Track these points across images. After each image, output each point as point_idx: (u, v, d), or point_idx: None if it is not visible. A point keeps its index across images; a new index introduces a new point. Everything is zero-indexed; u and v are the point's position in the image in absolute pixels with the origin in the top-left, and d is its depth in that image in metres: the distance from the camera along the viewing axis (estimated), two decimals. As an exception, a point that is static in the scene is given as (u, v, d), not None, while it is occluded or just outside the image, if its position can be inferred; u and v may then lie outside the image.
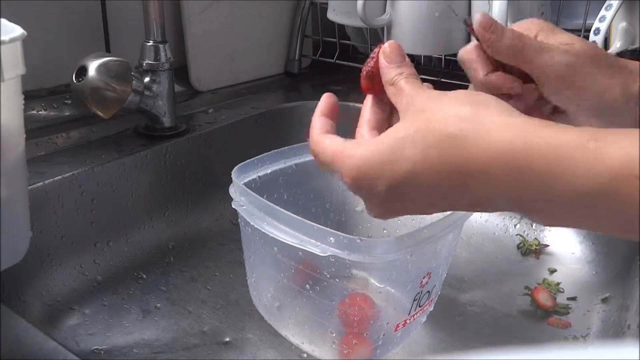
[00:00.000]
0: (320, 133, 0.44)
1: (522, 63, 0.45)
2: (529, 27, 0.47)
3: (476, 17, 0.44)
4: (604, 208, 0.32)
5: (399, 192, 0.39)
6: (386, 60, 0.43)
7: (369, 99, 0.46)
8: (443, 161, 0.37)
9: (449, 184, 0.37)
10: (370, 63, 0.44)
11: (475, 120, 0.36)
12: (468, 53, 0.47)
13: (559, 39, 0.45)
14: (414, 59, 0.99)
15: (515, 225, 0.78)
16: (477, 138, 0.36)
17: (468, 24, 0.46)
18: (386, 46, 0.44)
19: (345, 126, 0.95)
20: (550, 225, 0.37)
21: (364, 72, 0.45)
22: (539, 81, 0.45)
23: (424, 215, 0.66)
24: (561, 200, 0.33)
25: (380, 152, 0.39)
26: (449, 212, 0.56)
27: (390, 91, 0.42)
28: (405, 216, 0.68)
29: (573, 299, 0.68)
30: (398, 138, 0.38)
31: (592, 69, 0.44)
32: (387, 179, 0.38)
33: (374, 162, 0.39)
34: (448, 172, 0.37)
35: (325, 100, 0.47)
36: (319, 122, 0.45)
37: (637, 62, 0.47)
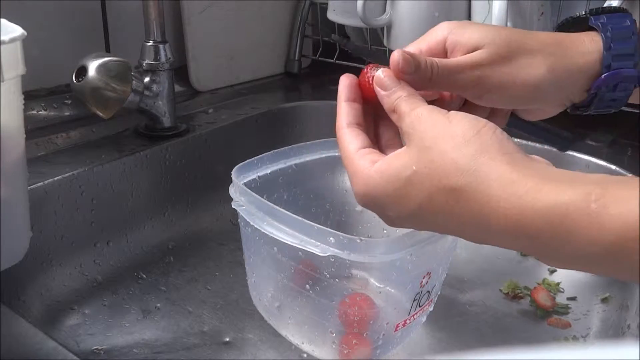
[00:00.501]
0: (343, 126, 0.44)
1: (437, 89, 0.45)
2: (438, 35, 0.46)
3: (394, 57, 0.43)
4: (612, 266, 0.33)
5: (405, 220, 0.41)
6: (382, 89, 0.43)
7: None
8: (447, 210, 0.37)
9: (453, 227, 0.39)
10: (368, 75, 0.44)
11: (478, 171, 0.36)
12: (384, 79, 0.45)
13: (468, 38, 0.44)
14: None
15: (515, 225, 0.78)
16: (480, 194, 0.36)
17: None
18: (379, 75, 0.43)
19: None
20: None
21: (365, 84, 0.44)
22: (461, 94, 0.46)
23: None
24: (568, 259, 0.34)
25: (387, 185, 0.39)
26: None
27: (393, 117, 0.42)
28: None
29: (573, 299, 0.68)
30: (404, 177, 0.39)
31: (506, 67, 0.44)
32: (394, 212, 0.40)
33: (381, 194, 0.40)
34: (451, 220, 0.38)
35: (345, 82, 0.46)
36: (342, 110, 0.45)
37: (578, 34, 0.45)
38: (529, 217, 0.34)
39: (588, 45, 0.45)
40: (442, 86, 0.45)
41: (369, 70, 0.44)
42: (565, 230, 0.33)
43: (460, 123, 0.39)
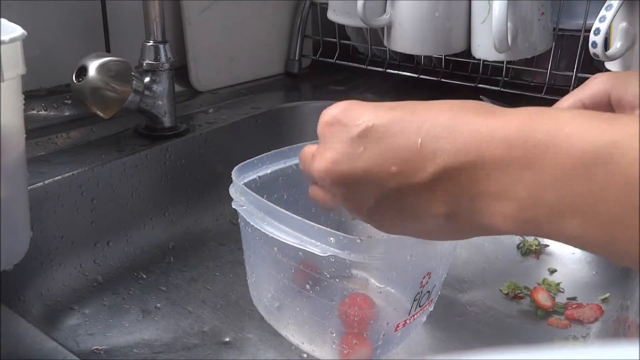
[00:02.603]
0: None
1: None
2: (599, 83, 0.45)
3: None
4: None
5: (374, 132, 0.37)
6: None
7: None
8: (433, 116, 0.35)
9: (432, 143, 0.35)
10: None
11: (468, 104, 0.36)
12: None
13: (631, 91, 0.44)
14: (414, 59, 0.99)
15: (515, 225, 0.78)
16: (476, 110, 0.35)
17: None
18: None
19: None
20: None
21: None
22: None
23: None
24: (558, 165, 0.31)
25: (378, 106, 0.38)
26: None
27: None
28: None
29: (573, 299, 0.68)
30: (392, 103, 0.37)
31: None
32: (371, 117, 0.37)
33: (364, 105, 0.38)
34: (435, 128, 0.35)
35: None
36: None
37: None
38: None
39: None
40: None
41: None
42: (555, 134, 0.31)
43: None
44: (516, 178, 0.32)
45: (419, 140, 0.35)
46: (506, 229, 0.34)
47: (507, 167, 0.32)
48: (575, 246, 0.32)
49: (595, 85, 0.46)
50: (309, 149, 0.43)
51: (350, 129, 0.37)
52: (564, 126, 0.31)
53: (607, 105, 0.45)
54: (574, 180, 0.30)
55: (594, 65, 0.83)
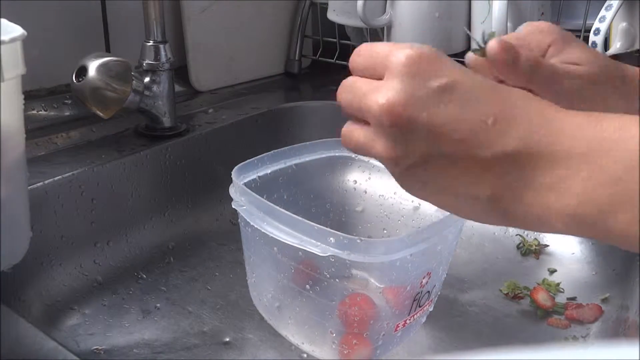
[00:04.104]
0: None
1: (529, 86, 0.43)
2: (543, 36, 0.46)
3: (491, 45, 0.41)
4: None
5: (452, 91, 0.35)
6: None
7: None
8: (518, 100, 0.35)
9: (506, 114, 0.34)
10: None
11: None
12: (475, 62, 0.44)
13: (569, 55, 0.45)
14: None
15: (515, 225, 0.78)
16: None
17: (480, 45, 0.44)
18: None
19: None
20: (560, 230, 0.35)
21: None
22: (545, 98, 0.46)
23: (424, 216, 0.66)
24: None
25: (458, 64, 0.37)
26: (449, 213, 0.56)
27: None
28: (406, 216, 0.69)
29: (573, 299, 0.68)
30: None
31: (600, 92, 0.44)
32: (452, 74, 0.35)
33: (450, 60, 0.36)
34: (515, 106, 0.35)
35: None
36: None
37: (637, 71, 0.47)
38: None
39: None
40: (538, 86, 0.43)
41: None
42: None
43: None
44: (575, 172, 0.32)
45: (492, 118, 0.34)
46: (549, 222, 0.34)
47: (569, 161, 0.33)
48: (623, 246, 0.33)
49: (538, 33, 0.46)
50: (361, 81, 0.39)
51: (430, 78, 0.35)
52: (631, 126, 0.32)
53: (542, 52, 0.46)
54: (629, 176, 0.31)
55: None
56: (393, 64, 0.36)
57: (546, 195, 0.33)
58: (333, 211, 0.72)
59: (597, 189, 0.32)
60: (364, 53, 0.39)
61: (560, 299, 0.68)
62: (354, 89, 0.39)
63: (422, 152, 0.35)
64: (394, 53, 0.36)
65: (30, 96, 0.76)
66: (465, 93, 0.35)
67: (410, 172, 0.37)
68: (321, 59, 1.04)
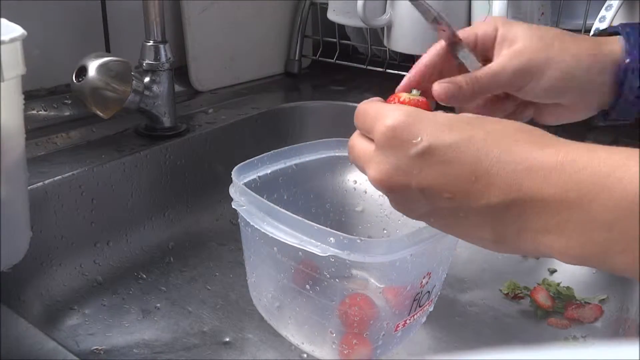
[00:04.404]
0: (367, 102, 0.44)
1: (482, 95, 0.49)
2: (487, 28, 0.49)
3: (436, 91, 0.47)
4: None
5: (431, 156, 0.37)
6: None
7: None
8: (490, 148, 0.36)
9: (484, 179, 0.36)
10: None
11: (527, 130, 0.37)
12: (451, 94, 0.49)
13: (513, 34, 0.48)
14: (414, 59, 0.99)
15: (515, 225, 0.78)
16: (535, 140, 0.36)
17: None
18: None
19: (345, 125, 0.95)
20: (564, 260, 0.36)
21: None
22: (504, 90, 0.49)
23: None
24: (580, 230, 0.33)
25: (437, 116, 0.38)
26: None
27: None
28: (405, 216, 0.68)
29: (573, 299, 0.68)
30: (456, 116, 0.39)
31: (542, 53, 0.47)
32: (431, 137, 0.37)
33: (428, 120, 0.38)
34: (491, 151, 0.36)
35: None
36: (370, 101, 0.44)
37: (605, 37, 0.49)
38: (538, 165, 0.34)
39: (613, 41, 0.48)
40: (487, 92, 0.48)
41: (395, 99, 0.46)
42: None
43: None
44: (566, 218, 0.33)
45: (474, 176, 0.36)
46: (559, 258, 0.35)
47: (558, 207, 0.33)
48: (628, 276, 0.34)
49: (489, 24, 0.50)
50: (360, 143, 0.42)
51: (408, 146, 0.38)
52: (616, 170, 0.32)
53: (493, 40, 0.49)
54: (624, 221, 0.31)
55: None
56: (377, 135, 0.39)
57: (546, 237, 0.35)
58: (333, 211, 0.72)
59: (592, 233, 0.32)
60: (359, 116, 0.43)
61: (560, 299, 0.68)
62: (354, 153, 0.43)
63: (425, 206, 0.39)
64: (378, 121, 0.40)
65: (30, 96, 0.76)
66: (443, 155, 0.37)
67: (424, 219, 0.41)
68: (321, 59, 1.04)
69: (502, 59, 0.47)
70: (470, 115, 0.39)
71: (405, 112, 0.39)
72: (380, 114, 0.40)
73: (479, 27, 0.50)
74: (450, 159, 0.36)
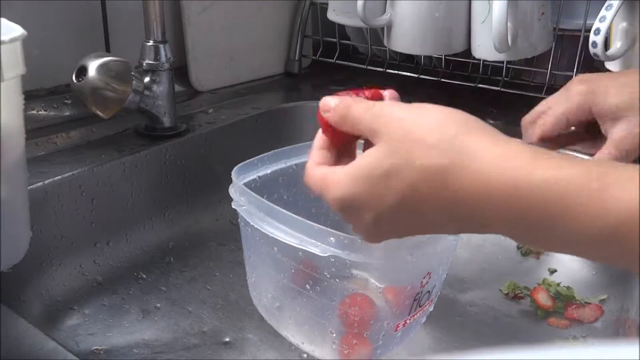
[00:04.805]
0: (313, 165, 0.44)
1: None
2: (580, 104, 0.49)
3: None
4: (608, 250, 0.31)
5: (386, 221, 0.39)
6: (325, 110, 0.43)
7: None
8: (433, 194, 0.36)
9: (441, 216, 0.36)
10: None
11: (463, 149, 0.35)
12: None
13: (608, 107, 0.48)
14: (414, 59, 0.99)
15: (515, 225, 0.78)
16: (469, 171, 0.34)
17: None
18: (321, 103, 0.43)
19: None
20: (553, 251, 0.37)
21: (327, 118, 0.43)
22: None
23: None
24: (563, 240, 0.33)
25: (364, 181, 0.38)
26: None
27: (353, 130, 0.41)
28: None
29: (573, 299, 0.67)
30: (379, 172, 0.37)
31: None
32: (374, 209, 0.38)
33: (359, 192, 0.38)
34: (439, 206, 0.36)
35: (320, 136, 0.45)
36: (315, 155, 0.44)
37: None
38: (524, 192, 0.32)
39: None
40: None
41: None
42: (562, 207, 0.31)
43: (431, 109, 0.38)
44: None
45: (422, 228, 0.39)
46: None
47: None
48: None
49: (575, 100, 0.49)
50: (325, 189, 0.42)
51: (361, 220, 0.40)
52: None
53: (589, 116, 0.49)
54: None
55: (594, 65, 0.83)
56: (332, 209, 0.42)
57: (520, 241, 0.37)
58: (333, 211, 0.72)
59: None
60: (307, 181, 0.44)
61: (560, 299, 0.68)
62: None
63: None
64: (321, 195, 0.42)
65: (30, 96, 0.76)
66: (393, 214, 0.38)
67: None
68: (321, 59, 1.04)
69: (614, 141, 0.47)
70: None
71: (339, 198, 0.40)
72: (323, 189, 0.41)
73: (567, 106, 0.49)
74: (401, 217, 0.38)
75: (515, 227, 0.34)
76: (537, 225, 0.32)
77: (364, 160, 0.38)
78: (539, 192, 0.32)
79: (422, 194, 0.36)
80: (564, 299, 0.67)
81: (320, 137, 0.45)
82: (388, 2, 0.87)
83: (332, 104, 0.42)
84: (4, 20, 0.45)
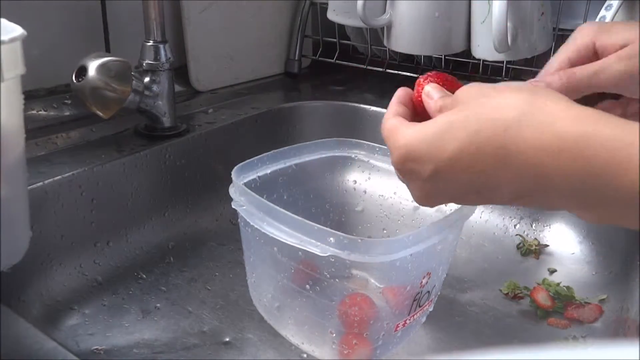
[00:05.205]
0: (390, 115, 0.45)
1: (584, 91, 0.47)
2: (584, 36, 0.48)
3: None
4: None
5: (443, 174, 0.39)
6: (428, 97, 0.45)
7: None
8: (489, 144, 0.36)
9: (494, 171, 0.37)
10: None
11: (535, 106, 0.36)
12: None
13: (615, 39, 0.46)
14: (414, 59, 0.99)
15: (515, 226, 0.78)
16: (536, 123, 0.35)
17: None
18: (427, 88, 0.45)
19: (346, 125, 0.95)
20: (593, 222, 0.37)
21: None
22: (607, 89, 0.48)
23: (424, 216, 0.66)
24: (614, 198, 0.33)
25: (428, 133, 0.39)
26: (449, 213, 0.56)
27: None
28: (406, 216, 0.69)
29: (573, 299, 0.68)
30: (448, 121, 0.39)
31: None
32: (433, 160, 0.39)
33: (422, 142, 0.40)
34: (494, 158, 0.36)
35: (398, 92, 0.47)
36: (392, 107, 0.46)
37: None
38: (593, 147, 0.33)
39: None
40: (584, 89, 0.47)
41: (420, 83, 0.47)
42: (623, 165, 0.32)
43: (511, 85, 0.40)
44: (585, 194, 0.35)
45: (476, 190, 0.39)
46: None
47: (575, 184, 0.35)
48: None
49: (580, 38, 0.48)
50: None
51: (418, 174, 0.41)
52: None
53: (593, 54, 0.47)
54: None
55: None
56: (394, 165, 0.43)
57: (573, 211, 0.37)
58: (333, 211, 0.72)
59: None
60: (382, 128, 0.45)
61: (560, 299, 0.68)
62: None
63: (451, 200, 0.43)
64: (389, 147, 0.43)
65: (30, 96, 0.76)
66: (450, 169, 0.39)
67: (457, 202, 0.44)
68: (321, 59, 1.04)
69: (607, 60, 0.46)
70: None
71: (402, 147, 0.41)
72: (391, 142, 0.43)
73: (570, 47, 0.49)
74: (459, 170, 0.38)
75: (578, 185, 0.34)
76: (603, 186, 0.33)
77: (435, 119, 0.41)
78: (598, 146, 0.33)
79: (477, 144, 0.37)
80: (563, 299, 0.67)
81: (402, 92, 0.47)
82: (388, 2, 0.87)
83: (435, 97, 0.44)
84: (4, 20, 0.45)
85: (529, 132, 0.35)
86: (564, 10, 0.83)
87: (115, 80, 0.67)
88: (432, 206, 0.45)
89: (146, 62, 0.74)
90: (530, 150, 0.35)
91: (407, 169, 0.41)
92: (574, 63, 0.48)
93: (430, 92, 0.44)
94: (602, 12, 0.70)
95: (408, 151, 0.40)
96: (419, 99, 0.46)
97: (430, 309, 0.60)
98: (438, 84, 0.45)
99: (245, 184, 0.58)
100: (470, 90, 0.40)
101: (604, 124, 0.34)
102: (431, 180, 0.40)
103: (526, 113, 0.36)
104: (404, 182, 0.44)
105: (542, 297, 0.67)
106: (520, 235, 0.77)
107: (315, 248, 0.49)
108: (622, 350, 0.18)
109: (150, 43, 0.74)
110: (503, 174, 0.36)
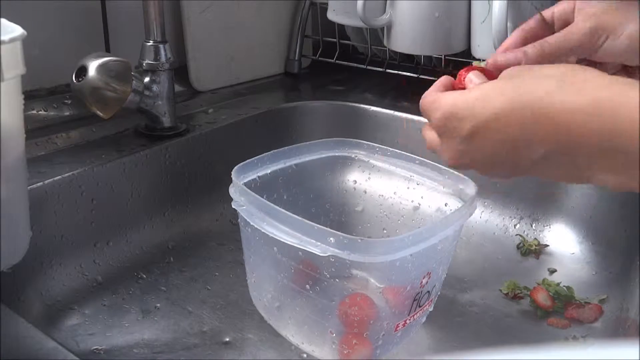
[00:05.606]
0: (432, 90, 0.48)
1: (561, 56, 0.49)
2: (567, 4, 0.51)
3: (496, 61, 0.49)
4: None
5: (480, 134, 0.42)
6: (471, 84, 0.47)
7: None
8: (528, 105, 0.39)
9: (531, 126, 0.39)
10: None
11: (572, 74, 0.39)
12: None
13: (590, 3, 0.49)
14: (414, 59, 0.99)
15: (515, 226, 0.78)
16: (574, 88, 0.37)
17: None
18: (470, 76, 0.48)
19: (346, 125, 0.95)
20: (615, 189, 0.39)
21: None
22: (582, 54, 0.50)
23: (424, 216, 0.66)
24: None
25: (471, 96, 0.42)
26: (449, 213, 0.56)
27: None
28: (406, 216, 0.69)
29: (573, 299, 0.67)
30: (491, 87, 0.42)
31: (619, 12, 0.48)
32: (473, 120, 0.42)
33: (465, 103, 0.42)
34: (531, 117, 0.39)
35: (441, 79, 0.51)
36: (435, 85, 0.49)
37: None
38: (626, 105, 0.35)
39: None
40: (558, 56, 0.49)
41: (462, 73, 0.50)
42: None
43: (546, 65, 0.44)
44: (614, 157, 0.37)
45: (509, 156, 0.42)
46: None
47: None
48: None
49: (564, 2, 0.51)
50: (428, 135, 0.47)
51: (458, 132, 0.43)
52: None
53: (571, 14, 0.50)
54: None
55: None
56: (434, 122, 0.46)
57: (599, 175, 0.39)
58: (333, 211, 0.72)
59: None
60: (422, 107, 0.48)
61: (560, 299, 0.68)
62: (427, 144, 0.49)
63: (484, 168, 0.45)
64: (430, 112, 0.46)
65: (30, 96, 0.76)
66: (486, 129, 0.41)
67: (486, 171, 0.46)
68: (321, 59, 1.04)
69: (575, 21, 0.49)
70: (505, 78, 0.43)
71: (446, 104, 0.44)
72: (432, 103, 0.46)
73: (555, 7, 0.52)
74: (496, 131, 0.41)
75: (606, 145, 0.36)
76: (631, 147, 0.35)
77: (478, 86, 0.44)
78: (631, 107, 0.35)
79: (515, 108, 0.39)
80: (563, 299, 0.67)
81: (444, 78, 0.50)
82: (388, 2, 0.87)
83: (477, 82, 0.47)
84: (4, 20, 0.45)
85: (567, 95, 0.37)
86: (564, 10, 0.83)
87: (115, 80, 0.67)
88: (460, 168, 0.48)
89: (146, 62, 0.74)
90: (568, 111, 0.37)
91: (448, 127, 0.44)
92: (560, 24, 0.51)
93: (473, 78, 0.47)
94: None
95: (451, 110, 0.43)
96: (460, 86, 0.48)
97: (430, 309, 0.60)
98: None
99: (245, 184, 0.58)
100: (513, 69, 0.44)
101: (636, 89, 0.36)
102: (467, 139, 0.42)
103: (565, 80, 0.38)
104: (435, 148, 0.46)
105: (542, 297, 0.67)
106: (520, 235, 0.77)
107: (315, 248, 0.49)
108: (622, 350, 0.18)
109: (150, 43, 0.74)
110: (538, 129, 0.39)
